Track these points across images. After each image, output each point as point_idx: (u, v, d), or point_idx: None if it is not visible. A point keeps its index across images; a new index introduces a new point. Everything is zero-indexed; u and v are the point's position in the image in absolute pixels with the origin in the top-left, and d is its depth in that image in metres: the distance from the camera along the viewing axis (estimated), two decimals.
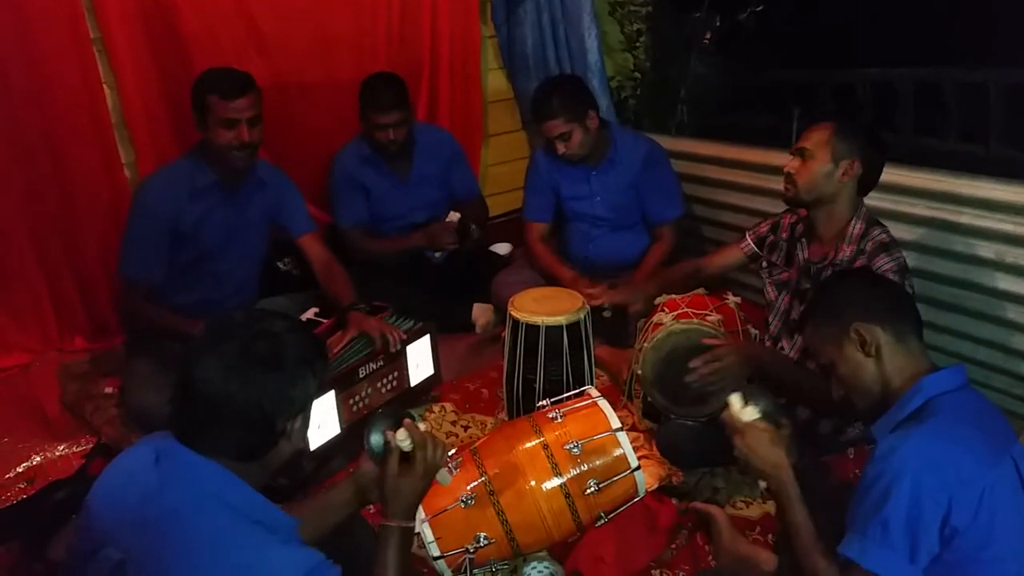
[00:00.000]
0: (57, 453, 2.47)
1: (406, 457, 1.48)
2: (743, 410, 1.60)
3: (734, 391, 1.64)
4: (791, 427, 1.65)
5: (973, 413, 1.42)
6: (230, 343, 1.25)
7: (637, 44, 3.92)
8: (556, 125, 2.88)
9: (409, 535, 1.46)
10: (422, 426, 1.53)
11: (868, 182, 2.19)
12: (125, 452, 1.31)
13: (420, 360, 2.64)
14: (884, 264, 2.06)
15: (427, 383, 2.70)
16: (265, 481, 1.30)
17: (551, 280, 2.99)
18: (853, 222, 2.17)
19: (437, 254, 3.21)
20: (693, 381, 2.18)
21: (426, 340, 2.64)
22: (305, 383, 1.31)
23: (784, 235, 2.39)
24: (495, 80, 3.92)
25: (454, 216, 3.13)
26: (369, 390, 2.44)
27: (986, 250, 2.45)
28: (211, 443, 1.23)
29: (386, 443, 1.49)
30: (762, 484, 1.61)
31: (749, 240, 2.50)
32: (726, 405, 1.64)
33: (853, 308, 1.52)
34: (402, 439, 1.48)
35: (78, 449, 2.46)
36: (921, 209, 2.60)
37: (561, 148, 2.92)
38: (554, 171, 3.12)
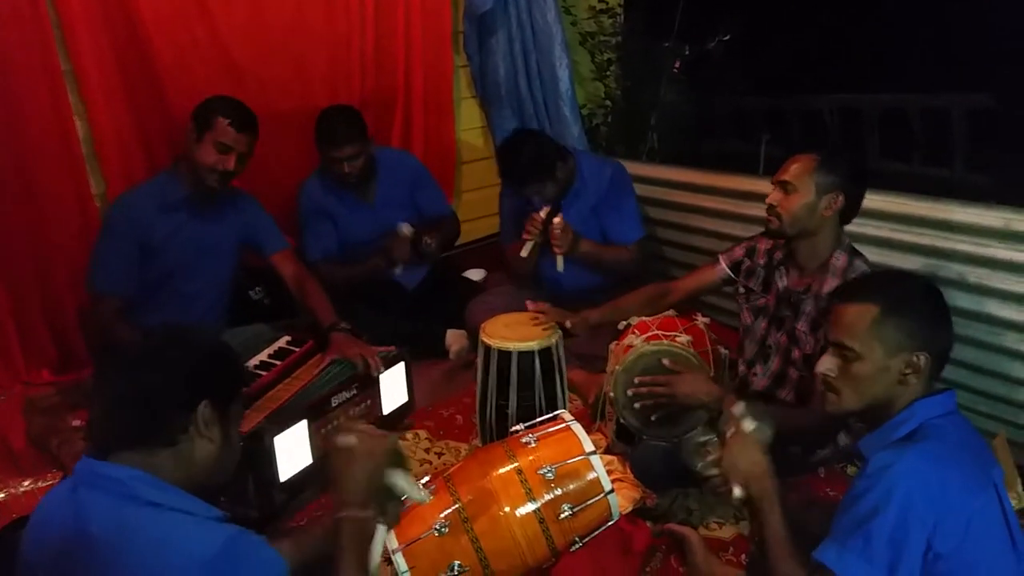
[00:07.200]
0: (22, 489, 2.42)
1: None
2: (743, 419, 1.61)
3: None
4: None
5: (961, 439, 1.44)
6: (133, 348, 1.33)
7: (608, 73, 3.99)
8: (530, 189, 2.95)
9: (363, 525, 1.43)
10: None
11: (850, 213, 2.18)
12: (50, 490, 1.31)
13: (394, 388, 2.62)
14: None
15: (401, 411, 2.68)
16: (196, 484, 1.29)
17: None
18: (836, 254, 2.16)
19: (397, 270, 3.20)
20: (632, 396, 2.19)
21: (400, 367, 2.63)
22: (183, 375, 1.28)
23: (761, 261, 2.37)
24: (468, 109, 3.97)
25: (406, 229, 3.11)
26: (342, 419, 2.41)
27: (948, 271, 2.50)
28: (114, 440, 1.25)
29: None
30: (737, 491, 1.57)
31: (724, 264, 2.47)
32: (695, 427, 1.67)
33: (934, 335, 1.47)
34: (343, 439, 1.48)
35: (44, 484, 2.41)
36: (885, 232, 2.65)
37: (537, 200, 2.96)
38: (520, 199, 3.15)
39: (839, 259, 2.16)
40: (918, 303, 1.49)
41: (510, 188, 3.07)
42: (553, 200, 2.96)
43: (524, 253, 2.88)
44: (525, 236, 2.88)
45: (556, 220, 2.82)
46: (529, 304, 2.47)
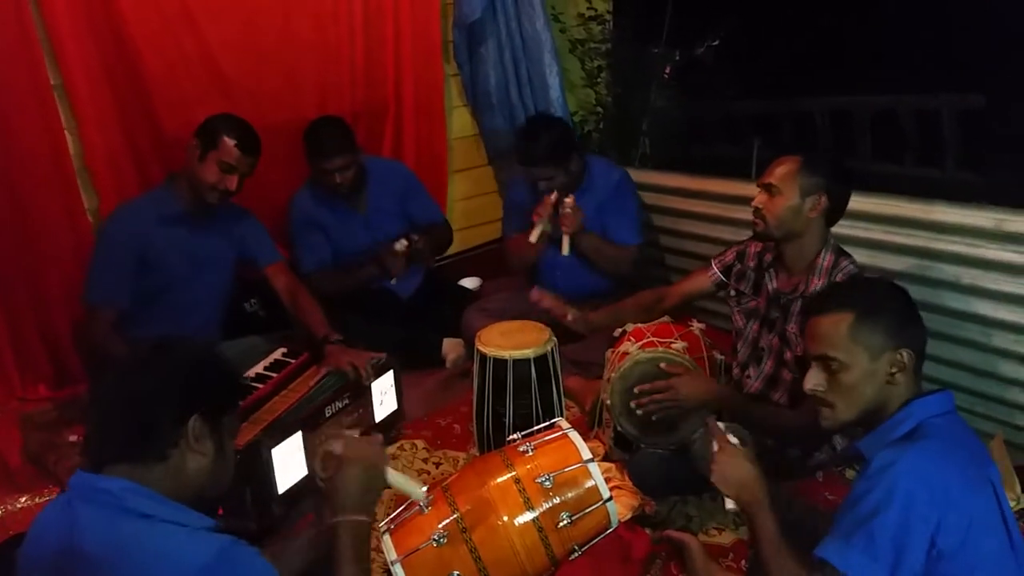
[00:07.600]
0: (19, 505, 2.41)
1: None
2: (725, 433, 1.63)
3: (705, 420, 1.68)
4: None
5: (960, 438, 1.44)
6: (124, 361, 1.33)
7: (598, 80, 3.99)
8: (542, 171, 2.98)
9: (361, 528, 1.45)
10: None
11: (835, 213, 2.20)
12: (46, 505, 1.31)
13: (384, 396, 2.63)
14: None
15: (392, 419, 2.69)
16: (190, 498, 1.28)
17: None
18: (823, 254, 2.18)
19: (393, 280, 3.23)
20: (636, 407, 2.20)
21: (389, 375, 2.63)
22: (170, 389, 1.27)
23: (751, 264, 2.38)
24: (459, 117, 3.97)
25: (401, 245, 3.13)
26: (328, 428, 2.41)
27: (942, 272, 2.51)
28: (106, 454, 1.25)
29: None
30: (729, 504, 1.60)
31: (715, 268, 2.49)
32: (695, 432, 1.67)
33: (910, 330, 1.48)
34: (332, 445, 1.50)
35: (40, 500, 2.40)
36: (877, 234, 2.67)
37: (544, 187, 2.99)
38: (528, 193, 3.17)
39: (826, 259, 2.18)
40: (889, 302, 1.51)
41: (522, 166, 3.08)
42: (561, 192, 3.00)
43: (533, 238, 2.94)
44: (535, 219, 2.94)
45: (567, 200, 2.90)
46: (534, 293, 2.52)
